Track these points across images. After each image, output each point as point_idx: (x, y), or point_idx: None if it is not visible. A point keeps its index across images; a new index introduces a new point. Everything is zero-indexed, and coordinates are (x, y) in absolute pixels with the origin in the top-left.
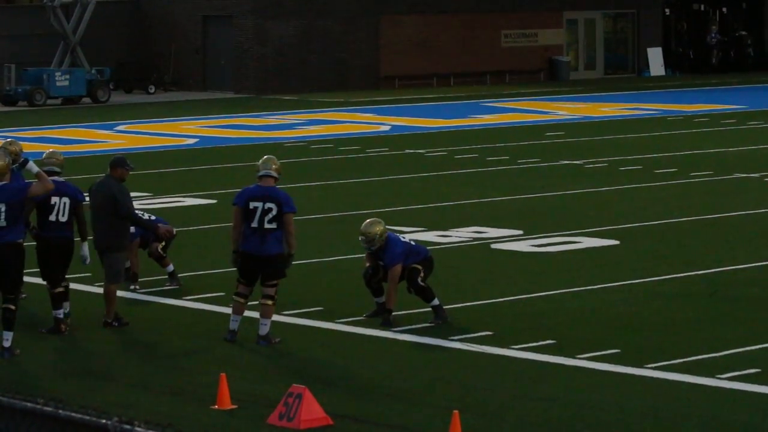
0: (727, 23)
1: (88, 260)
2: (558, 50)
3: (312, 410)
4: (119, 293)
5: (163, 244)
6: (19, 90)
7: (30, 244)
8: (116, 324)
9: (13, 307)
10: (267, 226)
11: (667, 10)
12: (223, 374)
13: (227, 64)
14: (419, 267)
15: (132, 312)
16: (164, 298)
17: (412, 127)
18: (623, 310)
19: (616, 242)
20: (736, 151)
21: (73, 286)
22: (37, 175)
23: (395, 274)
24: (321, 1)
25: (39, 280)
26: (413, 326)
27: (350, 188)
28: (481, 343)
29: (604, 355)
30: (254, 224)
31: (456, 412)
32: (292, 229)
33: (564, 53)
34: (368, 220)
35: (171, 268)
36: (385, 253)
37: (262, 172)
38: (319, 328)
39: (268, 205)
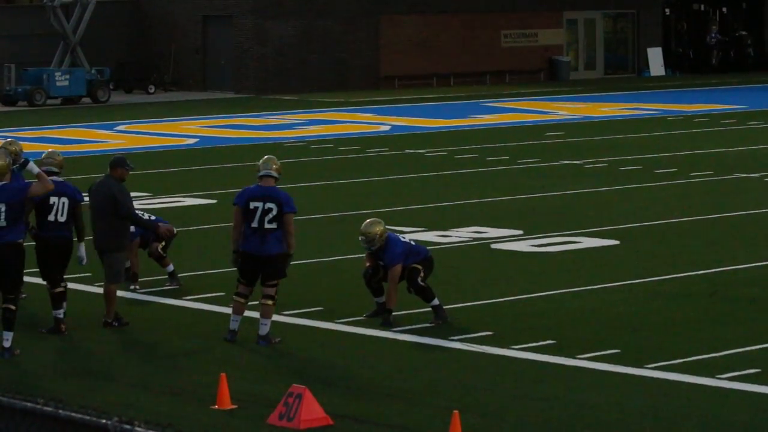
0: (727, 23)
1: (85, 261)
2: (558, 50)
3: (312, 410)
4: (119, 293)
5: (163, 244)
6: (19, 90)
7: (29, 244)
8: (116, 324)
9: (13, 307)
10: (267, 226)
11: (667, 10)
12: (223, 374)
13: (227, 64)
14: (419, 267)
15: (132, 312)
16: (164, 298)
17: (412, 127)
18: (623, 310)
19: (616, 242)
20: (736, 151)
21: (72, 286)
22: (37, 176)
23: (395, 274)
24: (321, 1)
25: (39, 280)
26: (413, 326)
27: (350, 188)
28: (481, 343)
29: (604, 355)
30: (254, 224)
31: (456, 412)
32: (292, 230)
33: (564, 53)
34: (368, 220)
35: (171, 268)
36: (385, 253)
37: (262, 172)
38: (319, 328)
39: (269, 205)
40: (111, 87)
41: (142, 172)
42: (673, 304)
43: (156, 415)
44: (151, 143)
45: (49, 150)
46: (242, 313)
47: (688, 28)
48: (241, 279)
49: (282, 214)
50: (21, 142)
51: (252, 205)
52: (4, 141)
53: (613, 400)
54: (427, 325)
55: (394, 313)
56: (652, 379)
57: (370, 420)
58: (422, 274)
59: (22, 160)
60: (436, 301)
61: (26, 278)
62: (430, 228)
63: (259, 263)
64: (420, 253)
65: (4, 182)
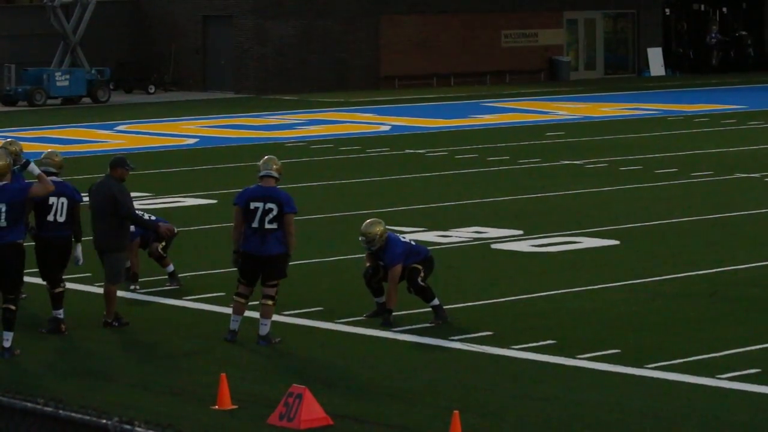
0: (727, 23)
1: (81, 261)
2: (558, 50)
3: (312, 410)
4: (119, 293)
5: (164, 244)
6: (19, 90)
7: (29, 244)
8: (116, 324)
9: (13, 308)
10: (268, 226)
11: (667, 10)
12: (223, 374)
13: (227, 64)
14: (419, 267)
15: (132, 312)
16: (164, 298)
17: (412, 127)
18: (623, 310)
19: (616, 242)
20: (736, 151)
21: (72, 286)
22: (38, 177)
23: (395, 274)
24: (321, 1)
25: (39, 280)
26: (413, 326)
27: (350, 188)
28: (481, 343)
29: (604, 355)
30: (255, 224)
31: (456, 412)
32: (293, 230)
33: (564, 53)
34: (368, 221)
35: (171, 268)
36: (385, 253)
37: (262, 173)
38: (319, 328)
39: (269, 205)
40: (111, 87)
41: (143, 172)
42: (673, 304)
43: (156, 415)
44: (151, 143)
45: (48, 150)
46: (242, 314)
47: (688, 28)
48: (242, 279)
49: (282, 214)
50: (21, 142)
51: (252, 205)
52: (4, 141)
53: (613, 400)
54: (427, 325)
55: (394, 313)
56: (652, 379)
57: (370, 420)
58: (422, 274)
59: (23, 161)
60: (436, 301)
61: (26, 278)
62: (431, 228)
63: (260, 263)
64: (420, 253)
65: (4, 183)
